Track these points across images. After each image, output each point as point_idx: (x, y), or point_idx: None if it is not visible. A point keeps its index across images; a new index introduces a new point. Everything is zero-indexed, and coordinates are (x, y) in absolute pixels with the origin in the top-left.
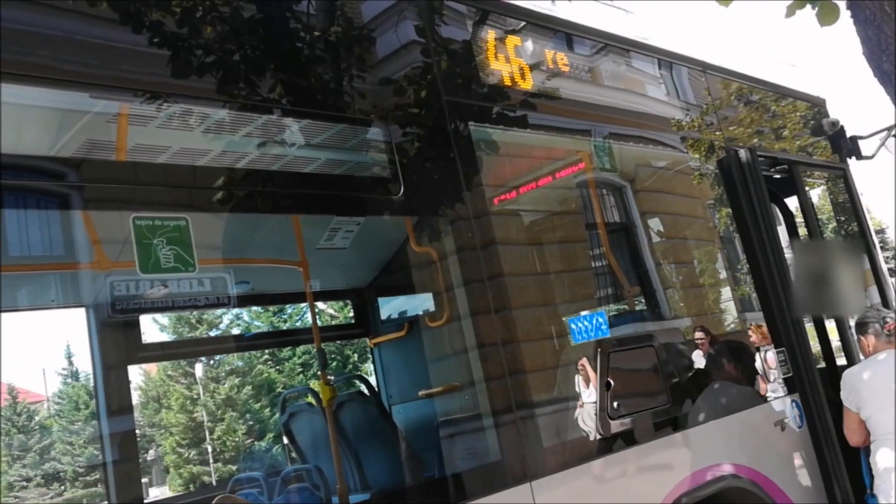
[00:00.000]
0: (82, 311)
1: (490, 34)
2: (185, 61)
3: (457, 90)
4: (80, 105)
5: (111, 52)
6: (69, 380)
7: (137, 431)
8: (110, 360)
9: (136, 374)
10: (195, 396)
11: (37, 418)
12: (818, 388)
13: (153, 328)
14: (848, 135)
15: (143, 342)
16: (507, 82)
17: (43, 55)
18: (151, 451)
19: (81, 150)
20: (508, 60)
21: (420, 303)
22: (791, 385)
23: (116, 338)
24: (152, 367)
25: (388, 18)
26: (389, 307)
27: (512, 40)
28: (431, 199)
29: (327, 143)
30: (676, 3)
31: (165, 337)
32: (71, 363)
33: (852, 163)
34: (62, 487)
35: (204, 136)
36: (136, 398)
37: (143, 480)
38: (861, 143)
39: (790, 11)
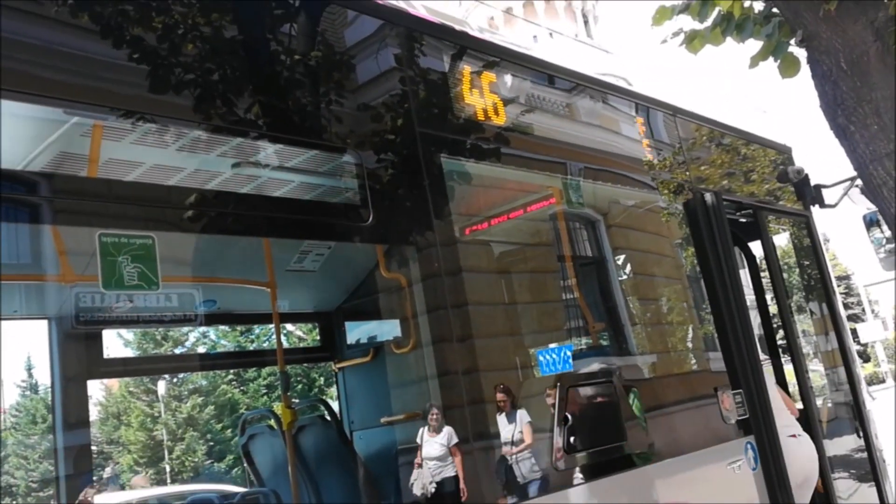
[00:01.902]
0: (45, 322)
1: (466, 69)
2: (161, 78)
3: (431, 121)
4: (54, 118)
5: (88, 64)
6: (27, 392)
7: (95, 448)
8: (70, 373)
9: (97, 389)
10: (156, 414)
11: None
12: (773, 430)
13: (117, 343)
14: (812, 183)
15: (105, 357)
16: (481, 116)
17: (18, 66)
18: (108, 469)
19: (53, 164)
20: (483, 95)
21: (387, 329)
22: (747, 427)
23: (78, 351)
24: (114, 383)
25: (366, 46)
26: (356, 332)
27: (487, 76)
28: (401, 227)
29: (300, 167)
30: (653, 45)
31: (129, 353)
32: (30, 375)
33: (816, 210)
34: (14, 502)
35: (177, 154)
36: (95, 413)
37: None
38: (824, 191)
39: (753, 63)
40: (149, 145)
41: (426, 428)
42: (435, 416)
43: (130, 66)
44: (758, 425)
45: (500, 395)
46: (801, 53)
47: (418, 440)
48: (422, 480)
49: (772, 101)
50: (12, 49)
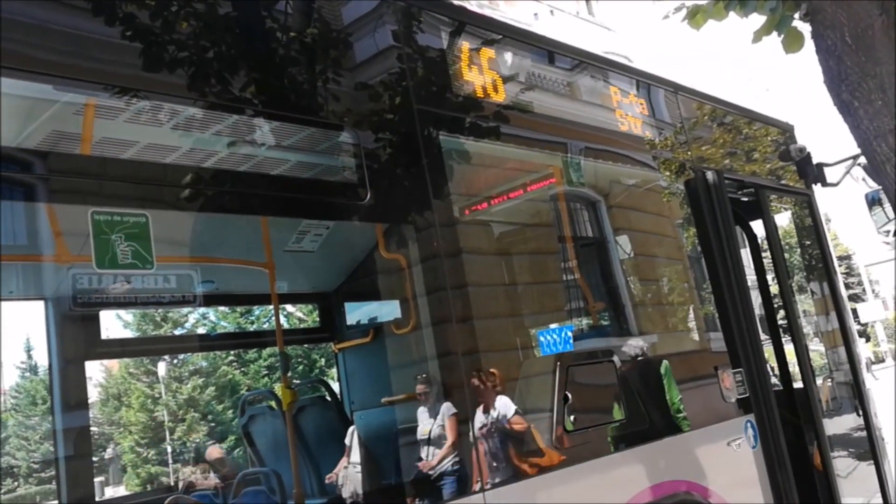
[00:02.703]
0: (42, 303)
1: (465, 45)
2: (156, 56)
3: (429, 99)
4: (47, 95)
5: (81, 42)
6: (27, 374)
7: (96, 429)
8: (68, 355)
9: (97, 370)
10: (157, 395)
11: None
12: (773, 410)
13: (116, 324)
14: (814, 161)
15: (103, 338)
16: (481, 94)
17: (10, 43)
18: (109, 450)
19: (47, 142)
20: (482, 72)
21: (387, 310)
22: (747, 405)
23: (76, 332)
24: (114, 364)
25: (364, 24)
26: (356, 313)
27: (486, 53)
28: (399, 206)
29: (297, 145)
30: (656, 22)
31: (128, 333)
32: (30, 356)
33: (818, 189)
34: (15, 483)
35: (172, 132)
36: (95, 395)
37: (100, 479)
38: (827, 170)
39: (756, 37)
40: (143, 123)
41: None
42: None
43: (124, 44)
44: (758, 404)
45: (419, 387)
46: (804, 28)
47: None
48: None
49: (774, 79)
50: (6, 26)
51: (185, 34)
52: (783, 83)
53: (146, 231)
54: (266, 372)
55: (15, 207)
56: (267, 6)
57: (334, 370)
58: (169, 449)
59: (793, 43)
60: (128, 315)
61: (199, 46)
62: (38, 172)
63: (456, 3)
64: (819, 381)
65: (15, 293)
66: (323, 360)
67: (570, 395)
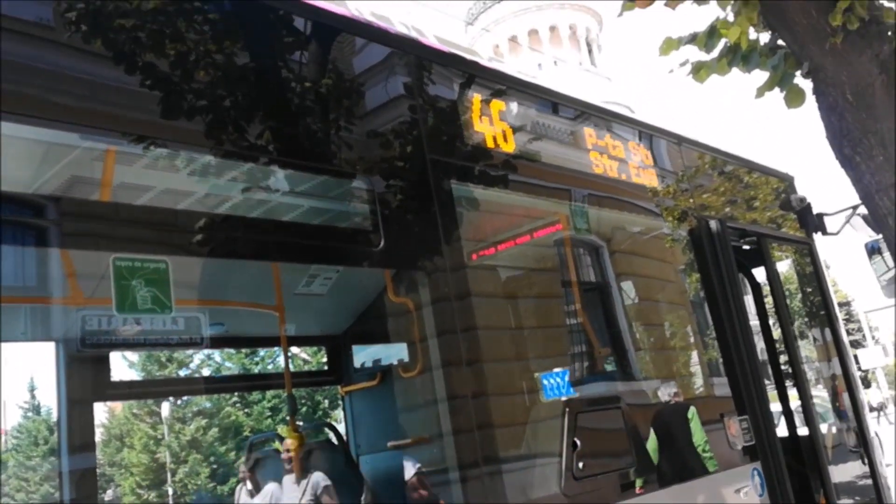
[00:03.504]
0: (52, 344)
1: (475, 96)
2: (174, 104)
3: (441, 148)
4: (66, 141)
5: (102, 90)
6: (30, 414)
7: (98, 470)
8: (77, 396)
9: (101, 411)
10: (159, 437)
11: None
12: (779, 457)
13: (121, 365)
14: (814, 211)
15: (112, 379)
16: (490, 143)
17: (31, 89)
18: (110, 492)
19: (64, 187)
20: (492, 122)
21: (394, 353)
22: (753, 453)
23: (85, 373)
24: (117, 405)
25: (377, 74)
26: (363, 355)
27: (496, 104)
28: (410, 252)
29: (311, 191)
30: (655, 73)
31: (134, 375)
32: (33, 397)
33: (818, 237)
34: None
35: (188, 178)
36: (98, 436)
37: None
38: (827, 219)
39: (759, 93)
40: (160, 170)
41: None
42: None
43: (144, 93)
44: (763, 452)
45: (286, 445)
46: (806, 85)
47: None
48: None
49: (774, 130)
50: (26, 74)
51: (202, 83)
52: (782, 133)
53: (165, 276)
54: (269, 413)
55: (28, 251)
56: (282, 57)
57: (339, 412)
58: (170, 491)
59: (794, 99)
60: (135, 356)
61: (215, 95)
62: (51, 217)
63: (467, 56)
64: (824, 428)
65: (26, 335)
66: (327, 402)
67: (577, 441)
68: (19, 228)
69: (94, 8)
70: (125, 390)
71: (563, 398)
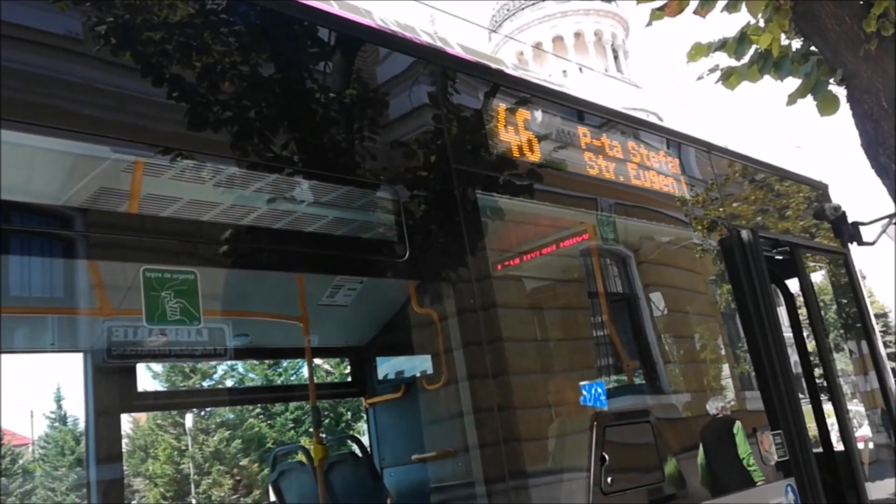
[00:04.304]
0: (79, 355)
1: (500, 106)
2: (201, 116)
3: (466, 157)
4: (95, 153)
5: (130, 102)
6: (56, 424)
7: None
8: (103, 407)
9: (126, 421)
10: (183, 448)
11: (20, 462)
12: (814, 473)
13: (146, 376)
14: (850, 220)
15: (138, 390)
16: (516, 153)
17: (60, 102)
18: (134, 502)
19: (92, 198)
20: (517, 132)
21: (418, 364)
22: (787, 468)
23: (111, 384)
24: (141, 416)
25: (401, 83)
26: (387, 367)
27: (521, 113)
28: (435, 262)
29: (335, 202)
30: (683, 80)
31: (159, 386)
32: (60, 407)
33: (854, 247)
34: None
35: (214, 190)
36: (123, 446)
37: None
38: (862, 229)
39: (791, 100)
40: (186, 181)
41: None
42: None
43: (171, 104)
44: (798, 467)
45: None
46: (840, 91)
47: None
48: None
49: (806, 137)
50: (58, 87)
51: (229, 95)
52: (815, 140)
53: (194, 288)
54: (292, 426)
55: (56, 263)
56: (307, 68)
57: (363, 424)
58: (194, 502)
59: (828, 106)
60: (158, 367)
61: (241, 107)
62: (80, 228)
63: (492, 66)
64: (860, 444)
65: (54, 345)
66: (350, 414)
67: (608, 455)
68: (48, 240)
69: (122, 21)
70: (150, 401)
71: (591, 411)
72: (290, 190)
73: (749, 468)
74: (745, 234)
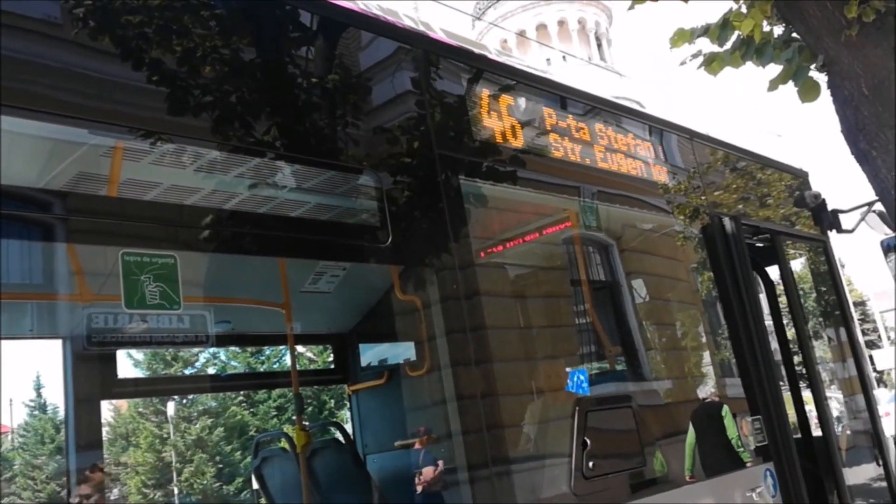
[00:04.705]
0: (58, 342)
1: (484, 91)
2: (181, 100)
3: (449, 143)
4: (74, 137)
5: (109, 86)
6: (36, 412)
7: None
8: (83, 394)
9: (106, 409)
10: (165, 435)
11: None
12: (793, 458)
13: (126, 363)
14: (829, 208)
15: (118, 377)
16: (499, 139)
17: (39, 86)
18: (115, 491)
19: (72, 183)
20: (501, 118)
21: (401, 351)
22: (766, 453)
23: (91, 371)
24: (122, 404)
25: (384, 68)
26: (370, 354)
27: (505, 99)
28: (418, 249)
29: (318, 187)
30: (666, 68)
31: (139, 373)
32: (40, 395)
33: (833, 235)
34: None
35: (195, 175)
36: (104, 434)
37: None
38: (842, 216)
39: (772, 86)
40: (167, 166)
41: None
42: None
43: (150, 89)
44: (777, 452)
45: None
46: (821, 78)
47: None
48: None
49: (787, 125)
50: (37, 71)
51: (209, 79)
52: (795, 129)
53: (174, 272)
54: (275, 413)
55: (35, 247)
56: (289, 52)
57: (346, 412)
58: (176, 490)
59: (809, 93)
60: (139, 354)
61: (222, 91)
62: (61, 213)
63: (476, 51)
64: (838, 430)
65: (33, 331)
66: (333, 401)
67: (589, 440)
68: (26, 225)
69: (101, 3)
70: (131, 388)
71: (574, 397)
72: (272, 175)
73: (738, 450)
74: (726, 221)
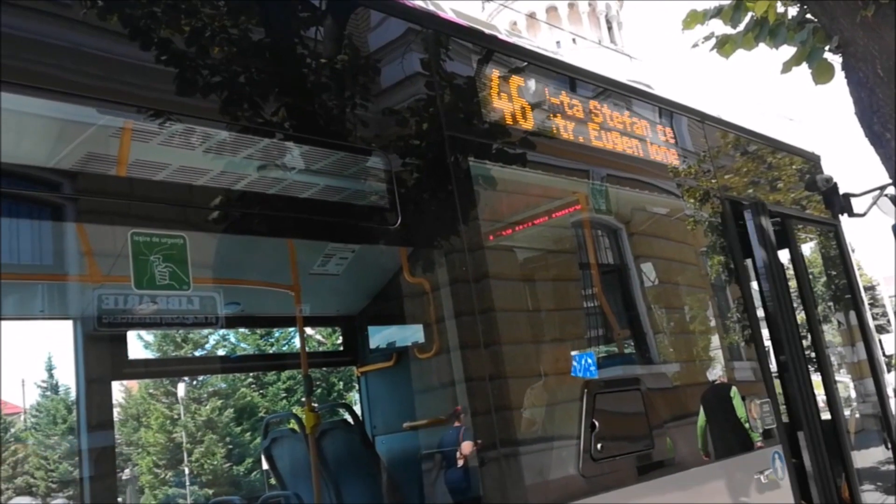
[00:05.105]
0: (69, 323)
1: (494, 72)
2: (190, 80)
3: (458, 125)
4: (84, 117)
5: (118, 66)
6: (48, 392)
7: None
8: (95, 375)
9: (117, 390)
10: (175, 416)
11: (12, 430)
12: (802, 441)
13: (137, 345)
14: (841, 192)
15: (129, 358)
16: (509, 121)
17: (49, 66)
18: (127, 471)
19: (81, 163)
20: (511, 99)
21: (410, 333)
22: (774, 437)
23: (102, 352)
24: (133, 385)
25: (394, 49)
26: (379, 336)
27: (515, 80)
28: (427, 231)
29: (327, 169)
30: (677, 50)
31: (150, 354)
32: (52, 375)
33: (844, 219)
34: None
35: (204, 155)
36: (115, 415)
37: (118, 500)
38: (853, 200)
39: (786, 68)
40: (176, 146)
41: None
42: None
43: (159, 69)
44: (789, 434)
45: None
46: (835, 59)
47: None
48: None
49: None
50: (46, 50)
51: (219, 59)
52: (808, 113)
53: (184, 253)
54: (284, 395)
55: (45, 227)
56: (299, 32)
57: (355, 393)
58: (187, 470)
59: (823, 74)
60: (150, 336)
61: (231, 72)
62: (71, 193)
63: (486, 31)
64: (847, 413)
65: (44, 312)
66: (342, 383)
67: (598, 423)
68: (36, 205)
69: None
70: (142, 369)
71: (582, 380)
72: (282, 156)
73: (748, 430)
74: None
